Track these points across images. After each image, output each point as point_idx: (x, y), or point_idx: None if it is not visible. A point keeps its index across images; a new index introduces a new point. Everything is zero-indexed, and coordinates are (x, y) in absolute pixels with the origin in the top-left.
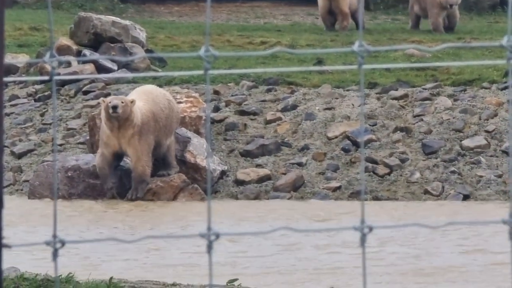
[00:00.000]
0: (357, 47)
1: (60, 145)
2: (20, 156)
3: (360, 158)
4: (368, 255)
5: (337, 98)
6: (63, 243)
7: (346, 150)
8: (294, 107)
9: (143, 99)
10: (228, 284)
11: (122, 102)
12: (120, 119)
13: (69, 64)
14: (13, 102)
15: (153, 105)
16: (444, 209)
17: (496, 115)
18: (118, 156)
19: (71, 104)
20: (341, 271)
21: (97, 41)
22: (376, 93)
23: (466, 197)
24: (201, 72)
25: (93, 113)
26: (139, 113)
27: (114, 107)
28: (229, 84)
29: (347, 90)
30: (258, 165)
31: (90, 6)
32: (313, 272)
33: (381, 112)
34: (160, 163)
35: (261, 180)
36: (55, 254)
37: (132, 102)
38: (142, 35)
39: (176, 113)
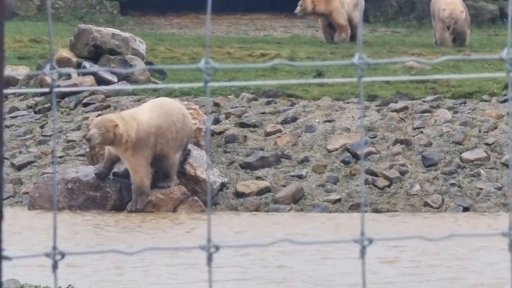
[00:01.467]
0: (357, 60)
1: (60, 157)
2: (20, 168)
3: (360, 170)
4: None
5: (337, 111)
6: (63, 255)
7: (346, 163)
8: (294, 119)
9: (156, 111)
10: None
11: (101, 129)
12: (102, 144)
13: (69, 76)
14: (13, 114)
15: (164, 118)
16: (444, 221)
17: (496, 127)
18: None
19: (71, 116)
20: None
21: (97, 53)
22: (376, 106)
23: (466, 210)
24: (201, 84)
25: None
26: (135, 129)
27: (88, 140)
28: (229, 97)
29: (347, 103)
30: (258, 177)
31: (90, 18)
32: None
33: (381, 124)
34: (160, 175)
35: (261, 192)
36: (54, 266)
37: (116, 126)
38: (142, 47)
39: (189, 128)
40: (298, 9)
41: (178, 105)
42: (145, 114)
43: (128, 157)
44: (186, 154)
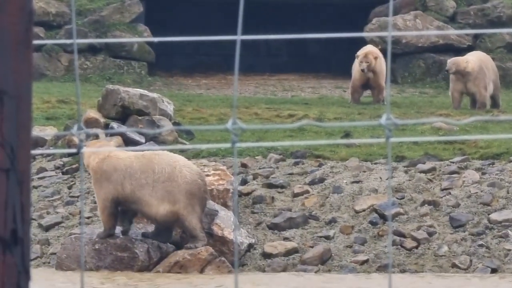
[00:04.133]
0: (385, 120)
1: (88, 217)
2: (47, 228)
3: (388, 231)
4: None
5: (364, 171)
6: None
7: (373, 223)
8: (321, 180)
9: (139, 154)
10: None
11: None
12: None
13: (96, 136)
14: (40, 175)
15: (143, 162)
16: (471, 282)
17: None
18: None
19: None
20: None
21: (125, 113)
22: (404, 167)
23: (494, 271)
24: (228, 145)
25: None
26: (97, 160)
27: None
28: (256, 157)
29: (375, 163)
30: (285, 238)
31: (118, 79)
32: None
33: (409, 185)
34: (187, 236)
35: (289, 253)
36: None
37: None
38: (169, 107)
39: (184, 184)
40: (364, 65)
41: (171, 159)
42: (124, 153)
43: (93, 185)
44: (212, 215)
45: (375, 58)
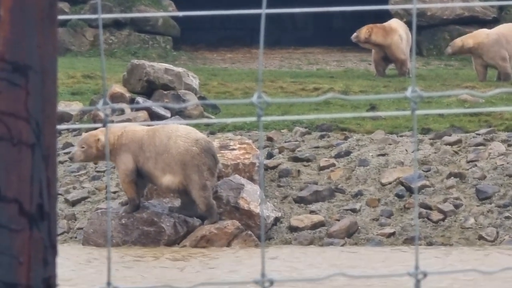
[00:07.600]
0: (410, 93)
1: (114, 192)
2: (74, 203)
3: (414, 204)
4: None
5: (390, 144)
6: None
7: (399, 196)
8: (347, 153)
9: (149, 128)
10: None
11: (83, 147)
12: (87, 161)
13: (122, 111)
14: (66, 150)
15: (149, 135)
16: (498, 255)
17: None
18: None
19: None
20: None
21: (150, 88)
22: (430, 139)
23: None
24: (254, 118)
25: None
26: (116, 136)
27: (71, 159)
28: (282, 131)
29: (401, 136)
30: (311, 212)
31: (143, 53)
32: None
33: (435, 158)
34: (204, 213)
35: (315, 226)
36: None
37: (98, 140)
38: (195, 82)
39: (177, 154)
40: (353, 35)
41: (170, 130)
42: (137, 126)
43: (114, 161)
44: (238, 189)
45: (368, 31)
